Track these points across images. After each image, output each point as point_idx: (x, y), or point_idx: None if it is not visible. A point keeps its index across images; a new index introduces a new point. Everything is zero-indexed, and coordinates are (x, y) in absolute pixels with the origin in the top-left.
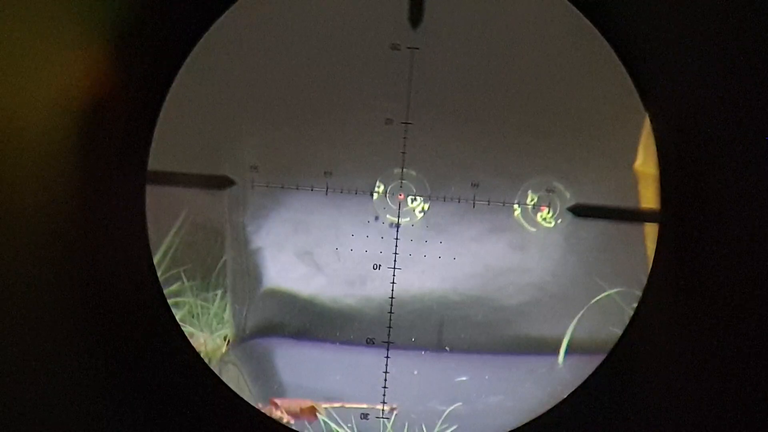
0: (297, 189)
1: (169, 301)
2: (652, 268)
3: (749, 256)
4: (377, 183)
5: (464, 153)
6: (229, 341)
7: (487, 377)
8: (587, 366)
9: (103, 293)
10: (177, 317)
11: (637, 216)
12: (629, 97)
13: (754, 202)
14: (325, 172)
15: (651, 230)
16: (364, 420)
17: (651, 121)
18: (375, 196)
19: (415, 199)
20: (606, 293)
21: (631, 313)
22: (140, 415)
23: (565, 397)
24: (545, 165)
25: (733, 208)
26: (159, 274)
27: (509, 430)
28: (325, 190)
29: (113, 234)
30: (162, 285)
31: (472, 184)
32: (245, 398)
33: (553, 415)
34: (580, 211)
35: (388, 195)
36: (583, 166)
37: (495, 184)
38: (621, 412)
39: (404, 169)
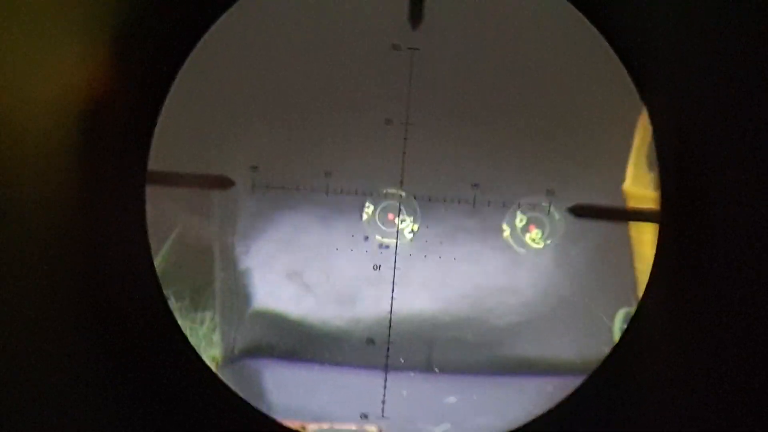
0: (297, 190)
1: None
2: (651, 270)
3: (749, 256)
4: (367, 203)
5: (463, 153)
6: (217, 363)
7: (476, 398)
8: (580, 378)
9: (102, 294)
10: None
11: (636, 216)
12: (630, 100)
13: (754, 202)
14: (325, 172)
15: (640, 252)
16: None
17: (651, 121)
18: (365, 216)
19: (404, 219)
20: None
21: (623, 328)
22: (140, 415)
23: (562, 400)
24: (547, 167)
25: (734, 209)
26: (159, 273)
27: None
28: (326, 190)
29: (113, 234)
30: (162, 286)
31: (472, 184)
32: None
33: (552, 420)
34: (579, 211)
35: (377, 215)
36: (584, 168)
37: (494, 188)
38: (621, 415)
39: (402, 181)
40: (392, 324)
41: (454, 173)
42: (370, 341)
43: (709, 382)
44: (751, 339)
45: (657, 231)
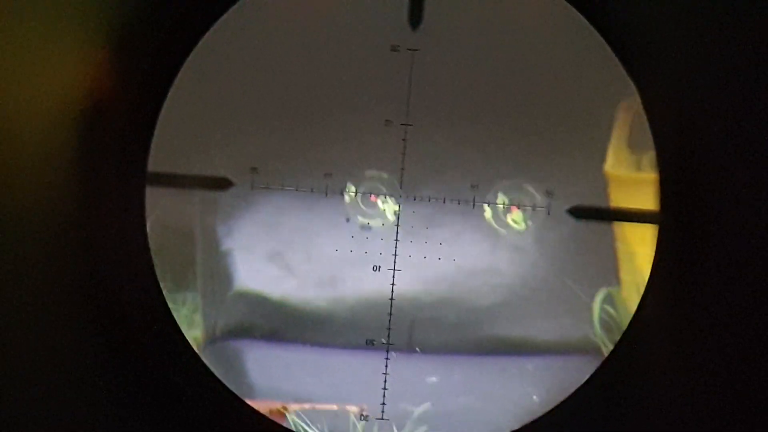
0: (297, 190)
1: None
2: (651, 269)
3: (748, 256)
4: (348, 184)
5: (463, 154)
6: (199, 343)
7: (457, 378)
8: (578, 368)
9: (103, 292)
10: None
11: (636, 217)
12: (630, 100)
13: (753, 202)
14: (325, 174)
15: (621, 232)
16: (334, 421)
17: (649, 122)
18: (347, 198)
19: (387, 201)
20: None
21: (618, 312)
22: (137, 406)
23: (565, 398)
24: (546, 168)
25: (732, 209)
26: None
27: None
28: (325, 191)
29: (113, 235)
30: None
31: (471, 185)
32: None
33: (553, 420)
34: (579, 212)
35: (359, 196)
36: (584, 169)
37: (493, 189)
38: (621, 414)
39: (401, 182)
40: (374, 304)
41: (453, 174)
42: (351, 322)
43: (709, 382)
44: (751, 338)
45: (656, 232)
